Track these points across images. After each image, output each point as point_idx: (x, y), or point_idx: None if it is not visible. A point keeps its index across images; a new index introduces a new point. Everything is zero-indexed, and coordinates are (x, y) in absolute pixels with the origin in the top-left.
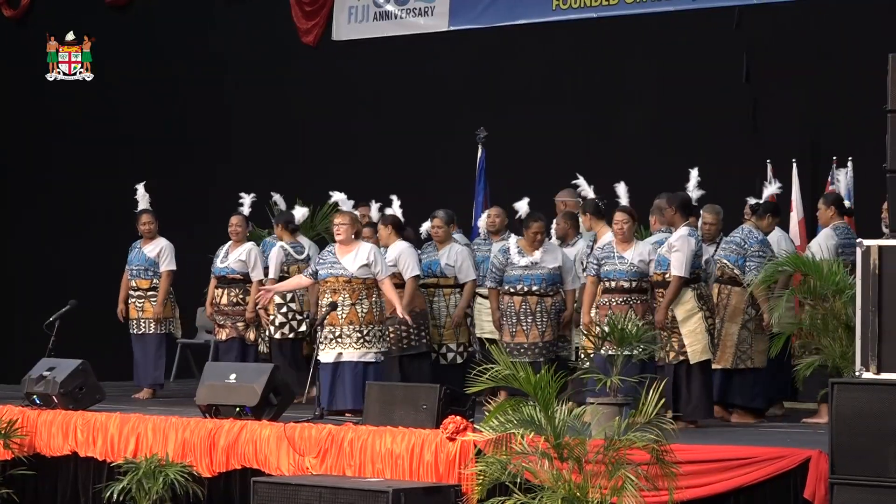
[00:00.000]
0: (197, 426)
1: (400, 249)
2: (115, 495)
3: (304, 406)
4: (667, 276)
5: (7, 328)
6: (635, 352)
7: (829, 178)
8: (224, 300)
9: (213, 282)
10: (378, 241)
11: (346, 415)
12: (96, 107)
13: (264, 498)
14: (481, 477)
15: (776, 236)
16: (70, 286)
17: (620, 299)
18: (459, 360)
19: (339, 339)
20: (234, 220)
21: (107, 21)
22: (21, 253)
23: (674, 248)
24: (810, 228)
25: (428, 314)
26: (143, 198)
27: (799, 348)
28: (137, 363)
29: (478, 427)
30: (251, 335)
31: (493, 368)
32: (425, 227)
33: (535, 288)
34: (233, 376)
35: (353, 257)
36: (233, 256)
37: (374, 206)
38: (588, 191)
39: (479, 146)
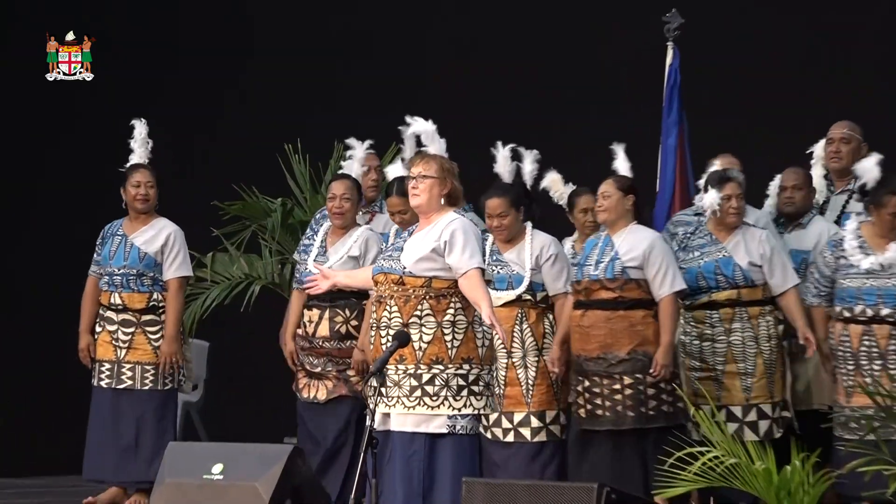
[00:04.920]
0: None
1: (651, 241)
2: None
3: None
4: None
5: None
6: None
7: None
8: (323, 329)
9: (296, 297)
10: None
11: None
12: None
13: None
14: None
15: None
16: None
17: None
18: (777, 433)
19: (386, 392)
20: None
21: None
22: None
23: None
24: None
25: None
26: (139, 143)
27: None
28: (100, 443)
29: None
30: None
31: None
32: (710, 200)
33: (885, 311)
34: (217, 469)
35: (421, 238)
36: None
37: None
38: None
39: (669, 45)
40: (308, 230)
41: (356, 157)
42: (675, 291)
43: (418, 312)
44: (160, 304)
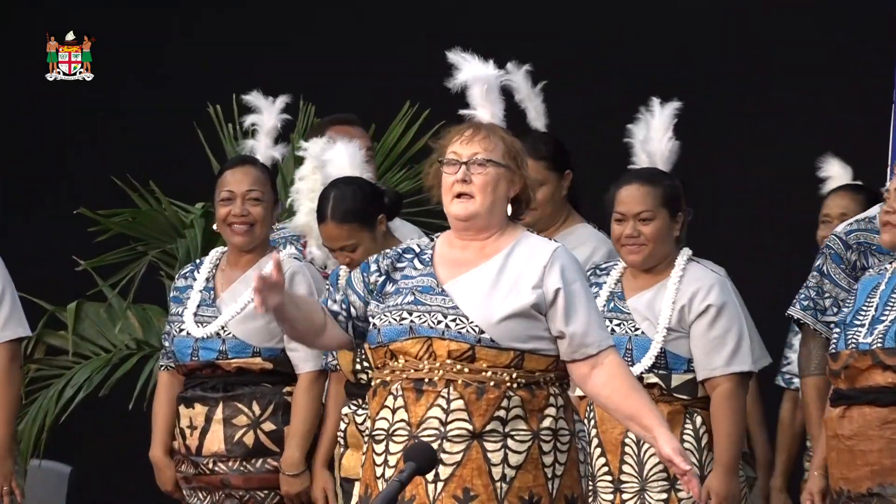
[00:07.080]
0: None
1: None
2: None
3: None
4: None
5: None
6: None
7: None
8: (213, 440)
9: (166, 385)
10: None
11: None
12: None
13: None
14: None
15: None
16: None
17: None
18: None
19: None
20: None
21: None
22: None
23: None
24: None
25: None
26: None
27: None
28: None
29: None
30: None
31: None
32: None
33: None
34: None
35: (493, 276)
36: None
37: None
38: None
39: None
40: (189, 265)
41: (263, 127)
42: None
43: (501, 413)
44: None
